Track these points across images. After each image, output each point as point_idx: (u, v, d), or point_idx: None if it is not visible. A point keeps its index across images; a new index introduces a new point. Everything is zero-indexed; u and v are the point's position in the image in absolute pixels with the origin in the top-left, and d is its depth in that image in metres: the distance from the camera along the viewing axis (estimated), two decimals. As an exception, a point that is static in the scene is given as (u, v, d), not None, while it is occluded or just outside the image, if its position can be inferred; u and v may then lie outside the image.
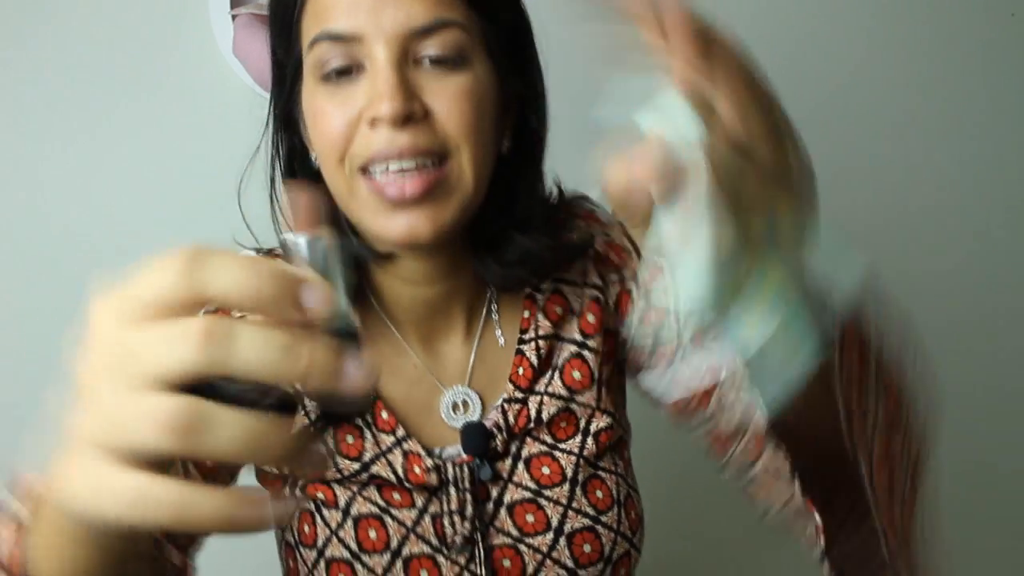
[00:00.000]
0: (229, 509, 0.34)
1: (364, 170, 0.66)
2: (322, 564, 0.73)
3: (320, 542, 0.73)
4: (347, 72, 0.66)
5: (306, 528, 0.73)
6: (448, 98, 0.65)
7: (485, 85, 0.68)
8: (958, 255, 1.64)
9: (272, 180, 0.77)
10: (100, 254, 1.21)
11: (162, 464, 0.35)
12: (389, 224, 0.66)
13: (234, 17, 1.19)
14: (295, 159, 0.75)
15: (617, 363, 0.81)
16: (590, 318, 0.78)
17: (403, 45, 0.65)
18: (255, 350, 0.33)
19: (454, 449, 0.75)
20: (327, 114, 0.66)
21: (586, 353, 0.77)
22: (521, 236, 0.74)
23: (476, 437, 0.73)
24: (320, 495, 0.73)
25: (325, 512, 0.73)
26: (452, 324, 0.78)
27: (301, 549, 0.74)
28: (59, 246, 1.20)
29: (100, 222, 1.21)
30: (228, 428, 0.33)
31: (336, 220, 0.72)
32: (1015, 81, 1.66)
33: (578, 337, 0.78)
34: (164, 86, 1.23)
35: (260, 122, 1.23)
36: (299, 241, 0.37)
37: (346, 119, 0.66)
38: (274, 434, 0.34)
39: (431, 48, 0.65)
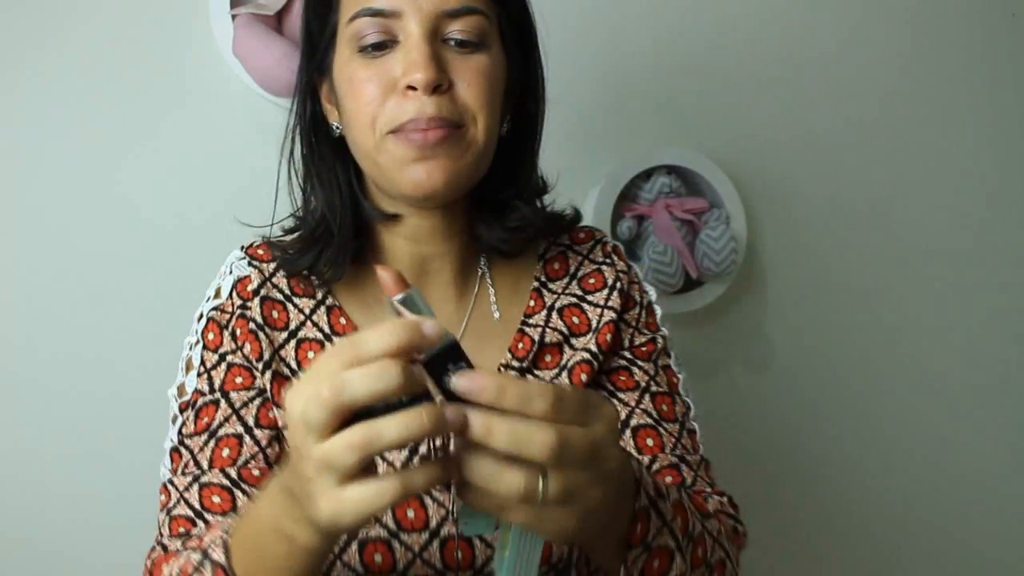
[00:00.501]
0: (433, 470, 0.52)
1: (393, 131, 0.75)
2: None
3: None
4: (382, 46, 0.76)
5: None
6: (469, 74, 0.76)
7: (498, 66, 0.78)
8: (957, 254, 1.64)
9: (292, 150, 0.85)
10: (99, 254, 1.21)
11: (369, 468, 0.51)
12: (410, 171, 0.76)
13: (234, 17, 1.19)
14: (316, 126, 0.84)
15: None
16: (608, 337, 0.86)
17: (435, 23, 0.75)
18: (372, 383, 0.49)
19: None
20: (363, 82, 0.76)
21: (595, 364, 0.85)
22: (524, 205, 0.85)
23: None
24: None
25: None
26: (444, 287, 0.86)
27: None
28: (58, 246, 1.20)
29: (99, 222, 1.21)
30: (390, 428, 0.49)
31: (351, 188, 0.83)
32: (1015, 81, 1.66)
33: (593, 348, 0.85)
34: (163, 86, 1.23)
35: (260, 123, 1.24)
36: (400, 299, 0.55)
37: (380, 87, 0.75)
38: (414, 416, 0.49)
39: (456, 30, 0.75)
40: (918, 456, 1.62)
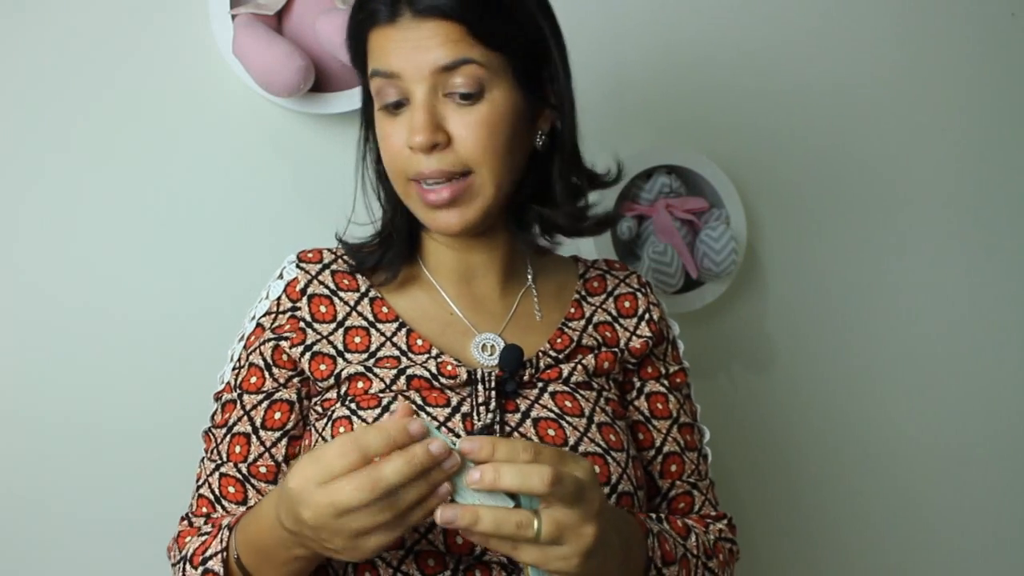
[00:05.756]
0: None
1: (413, 179, 0.85)
2: None
3: None
4: (399, 104, 0.84)
5: (341, 430, 0.84)
6: (465, 127, 0.82)
7: (502, 110, 0.83)
8: (959, 255, 1.64)
9: (363, 173, 0.95)
10: (97, 253, 1.21)
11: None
12: (429, 218, 0.87)
13: (234, 17, 1.19)
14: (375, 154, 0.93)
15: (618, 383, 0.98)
16: (637, 345, 0.96)
17: (433, 81, 0.81)
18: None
19: (488, 368, 0.88)
20: (388, 137, 0.85)
21: (619, 356, 0.94)
22: (553, 213, 0.91)
23: (513, 356, 0.86)
24: (354, 405, 0.85)
25: (362, 413, 0.84)
26: (490, 289, 0.94)
27: None
28: (56, 245, 1.20)
29: (97, 221, 1.21)
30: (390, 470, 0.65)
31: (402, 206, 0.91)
32: (1015, 81, 1.66)
33: (623, 347, 0.96)
34: (163, 86, 1.23)
35: (260, 123, 1.24)
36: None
37: (400, 143, 0.84)
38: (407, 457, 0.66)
39: (456, 83, 0.81)
40: (919, 455, 1.62)
